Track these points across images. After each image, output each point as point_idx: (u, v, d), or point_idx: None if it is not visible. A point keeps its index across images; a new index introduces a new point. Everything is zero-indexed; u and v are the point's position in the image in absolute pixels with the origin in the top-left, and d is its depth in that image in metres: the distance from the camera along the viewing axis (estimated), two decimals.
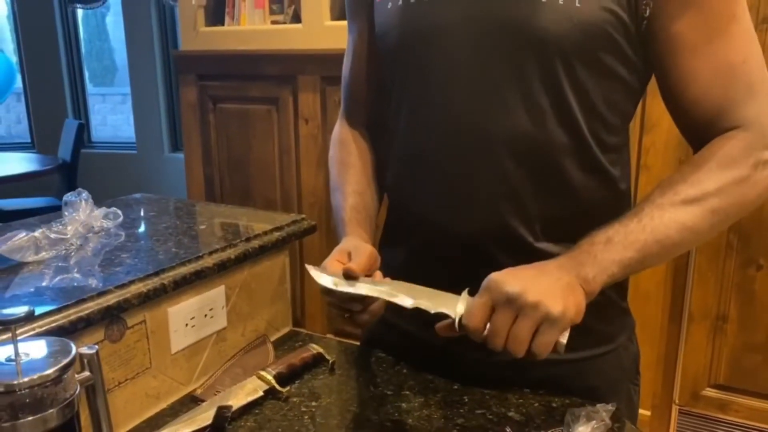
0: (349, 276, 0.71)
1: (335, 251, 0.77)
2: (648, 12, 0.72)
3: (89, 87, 5.70)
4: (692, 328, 1.78)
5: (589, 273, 0.67)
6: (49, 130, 5.26)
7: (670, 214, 0.69)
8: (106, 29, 7.94)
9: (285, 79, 2.33)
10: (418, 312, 0.68)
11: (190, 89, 2.55)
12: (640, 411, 1.84)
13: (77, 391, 0.60)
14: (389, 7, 0.81)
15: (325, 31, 2.17)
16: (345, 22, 0.96)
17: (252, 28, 2.38)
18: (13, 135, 8.02)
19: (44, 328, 0.66)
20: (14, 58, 6.34)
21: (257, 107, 2.43)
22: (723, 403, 1.78)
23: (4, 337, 0.58)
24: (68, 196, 0.92)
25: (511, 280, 0.64)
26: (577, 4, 0.71)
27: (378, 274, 0.74)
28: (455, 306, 0.66)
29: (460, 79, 0.76)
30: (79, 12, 5.35)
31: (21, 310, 0.58)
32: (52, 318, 0.68)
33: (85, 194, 0.92)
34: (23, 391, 0.55)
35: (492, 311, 0.64)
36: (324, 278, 0.72)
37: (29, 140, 5.61)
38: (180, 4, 2.52)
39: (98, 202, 0.98)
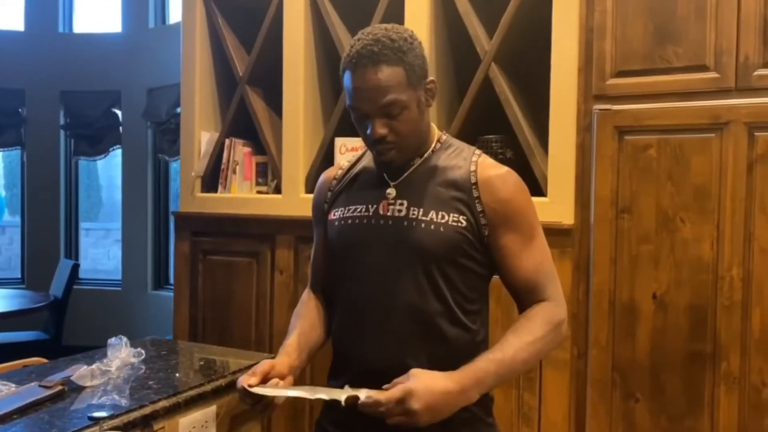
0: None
1: (264, 362, 1.20)
2: (486, 232, 1.23)
3: None
4: None
5: (473, 394, 1.14)
6: (40, 267, 5.61)
7: (520, 354, 1.18)
8: (96, 168, 8.58)
9: (265, 238, 2.82)
10: (350, 423, 1.15)
11: (184, 243, 3.03)
12: None
13: None
14: (336, 224, 1.32)
15: (299, 202, 2.70)
16: None
17: (240, 196, 2.91)
18: None
19: (111, 426, 1.06)
20: (3, 192, 6.81)
21: (241, 259, 2.90)
22: None
23: (94, 428, 0.99)
24: (112, 341, 1.35)
25: (419, 397, 1.08)
26: (442, 230, 1.21)
27: (276, 380, 1.18)
28: (341, 394, 1.11)
29: (374, 270, 1.25)
30: None
31: (103, 413, 1.00)
32: (113, 421, 1.09)
33: (125, 339, 1.35)
34: None
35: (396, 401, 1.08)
36: (261, 390, 1.16)
37: (19, 276, 5.94)
38: (181, 173, 3.07)
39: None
